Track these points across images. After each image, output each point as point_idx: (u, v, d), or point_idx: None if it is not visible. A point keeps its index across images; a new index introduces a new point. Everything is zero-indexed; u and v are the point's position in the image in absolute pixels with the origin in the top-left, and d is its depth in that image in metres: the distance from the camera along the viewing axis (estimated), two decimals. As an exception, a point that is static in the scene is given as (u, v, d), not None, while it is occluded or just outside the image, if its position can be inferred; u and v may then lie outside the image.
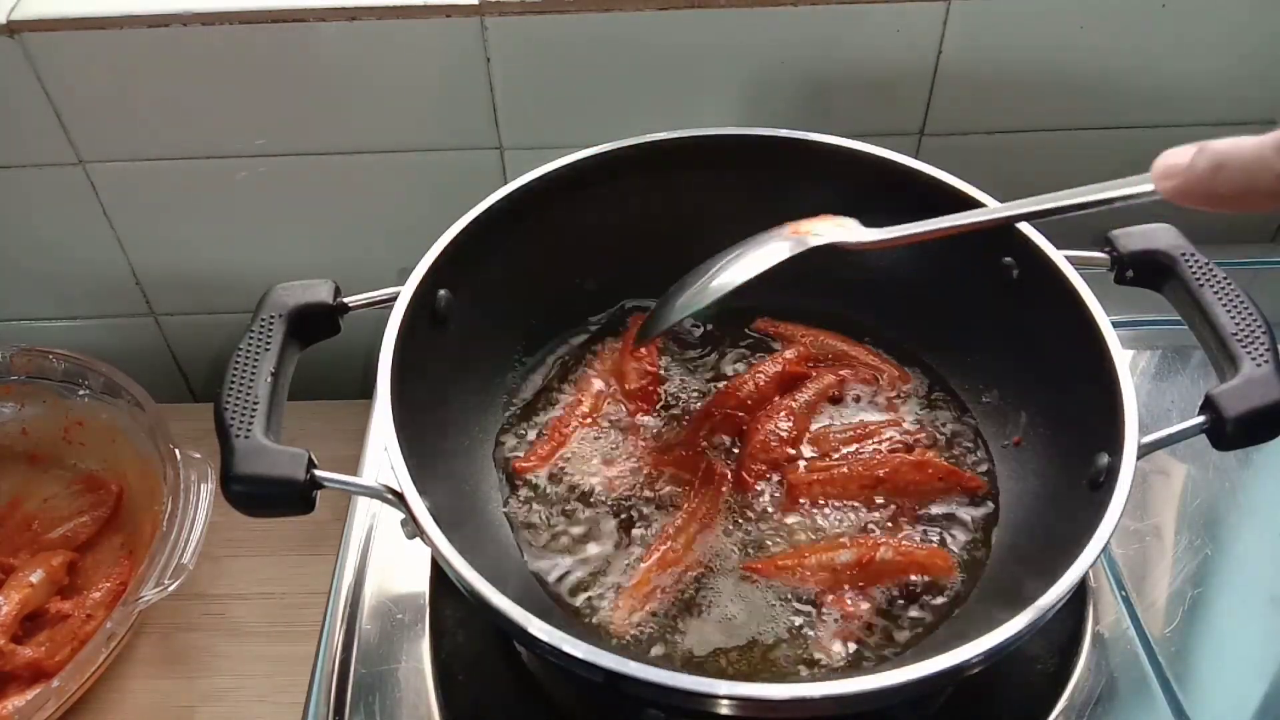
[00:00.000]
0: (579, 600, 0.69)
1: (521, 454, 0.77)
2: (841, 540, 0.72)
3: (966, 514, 0.74)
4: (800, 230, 0.69)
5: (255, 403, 0.62)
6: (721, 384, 0.82)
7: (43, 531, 0.93)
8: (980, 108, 0.96)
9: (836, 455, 0.77)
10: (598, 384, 0.82)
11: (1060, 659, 0.69)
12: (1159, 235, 0.73)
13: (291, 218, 1.01)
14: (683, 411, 0.80)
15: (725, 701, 0.55)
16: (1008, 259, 0.76)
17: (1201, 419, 0.64)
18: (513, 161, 0.97)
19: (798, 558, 0.70)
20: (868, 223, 0.82)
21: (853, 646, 0.67)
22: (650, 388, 0.81)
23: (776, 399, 0.79)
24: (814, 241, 0.67)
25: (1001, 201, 0.76)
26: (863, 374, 0.82)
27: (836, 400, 0.81)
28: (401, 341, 0.68)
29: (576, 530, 0.73)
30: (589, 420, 0.79)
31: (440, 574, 0.73)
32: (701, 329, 0.86)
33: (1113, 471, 0.61)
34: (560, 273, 0.83)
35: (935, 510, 0.74)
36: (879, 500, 0.74)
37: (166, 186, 0.98)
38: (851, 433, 0.78)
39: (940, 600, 0.69)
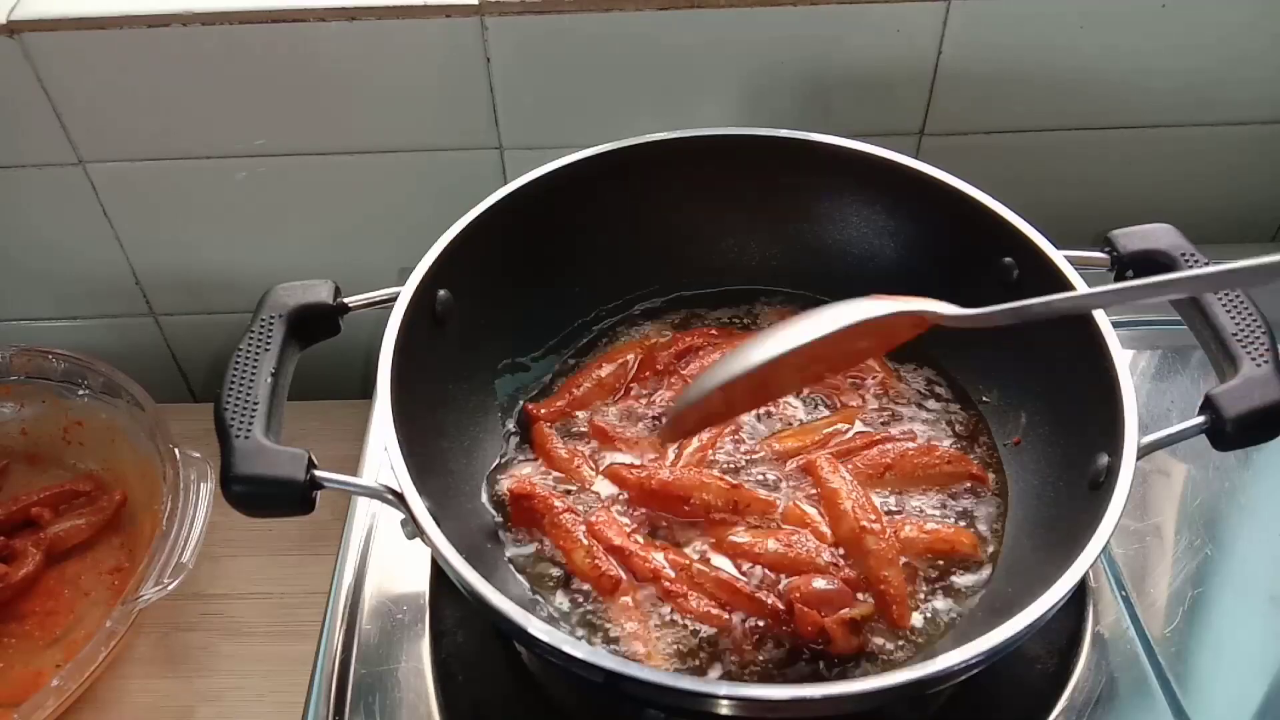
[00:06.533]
0: (579, 599, 0.69)
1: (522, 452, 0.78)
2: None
3: (966, 515, 0.74)
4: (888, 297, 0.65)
5: (255, 403, 0.62)
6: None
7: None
8: (980, 108, 0.96)
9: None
10: (621, 359, 0.82)
11: (1060, 659, 0.69)
12: (1159, 235, 0.72)
13: (291, 218, 1.01)
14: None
15: (725, 702, 0.55)
16: (1008, 259, 0.76)
17: (1201, 419, 0.64)
18: (513, 161, 0.97)
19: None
20: (869, 222, 0.83)
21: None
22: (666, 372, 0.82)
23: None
24: (905, 307, 0.64)
25: (1000, 200, 0.76)
26: (855, 377, 0.82)
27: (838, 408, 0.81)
28: (401, 341, 0.68)
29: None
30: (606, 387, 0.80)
31: (440, 574, 0.73)
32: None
33: (1113, 471, 0.62)
34: (560, 273, 0.83)
35: (935, 513, 0.74)
36: (886, 492, 0.74)
37: (166, 186, 0.98)
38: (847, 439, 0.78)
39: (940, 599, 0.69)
